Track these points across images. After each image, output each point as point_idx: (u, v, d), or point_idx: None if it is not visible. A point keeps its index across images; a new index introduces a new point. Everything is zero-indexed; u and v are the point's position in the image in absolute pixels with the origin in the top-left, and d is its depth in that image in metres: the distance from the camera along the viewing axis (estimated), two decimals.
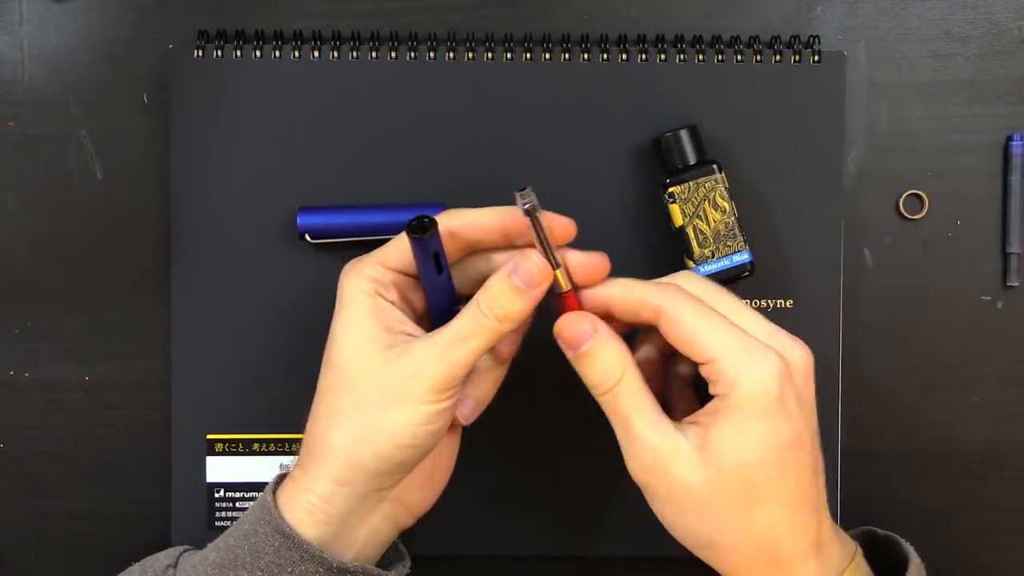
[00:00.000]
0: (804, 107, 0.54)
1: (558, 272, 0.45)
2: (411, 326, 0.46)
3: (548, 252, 0.45)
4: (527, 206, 0.44)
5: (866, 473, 0.55)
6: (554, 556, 0.55)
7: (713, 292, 0.46)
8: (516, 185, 0.47)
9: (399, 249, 0.47)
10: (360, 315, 0.46)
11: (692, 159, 0.52)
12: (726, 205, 0.52)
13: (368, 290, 0.46)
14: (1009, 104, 0.55)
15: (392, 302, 0.46)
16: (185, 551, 0.50)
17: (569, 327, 0.45)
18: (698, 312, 0.44)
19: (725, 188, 0.52)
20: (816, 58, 0.54)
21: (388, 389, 0.44)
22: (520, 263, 0.45)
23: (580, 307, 0.46)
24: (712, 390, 0.44)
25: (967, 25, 0.56)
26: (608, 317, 0.46)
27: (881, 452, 0.54)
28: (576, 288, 0.46)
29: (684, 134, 0.52)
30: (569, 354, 0.46)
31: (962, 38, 0.56)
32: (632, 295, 0.45)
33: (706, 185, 0.52)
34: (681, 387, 0.49)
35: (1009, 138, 0.55)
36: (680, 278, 0.46)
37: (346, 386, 0.45)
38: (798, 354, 0.44)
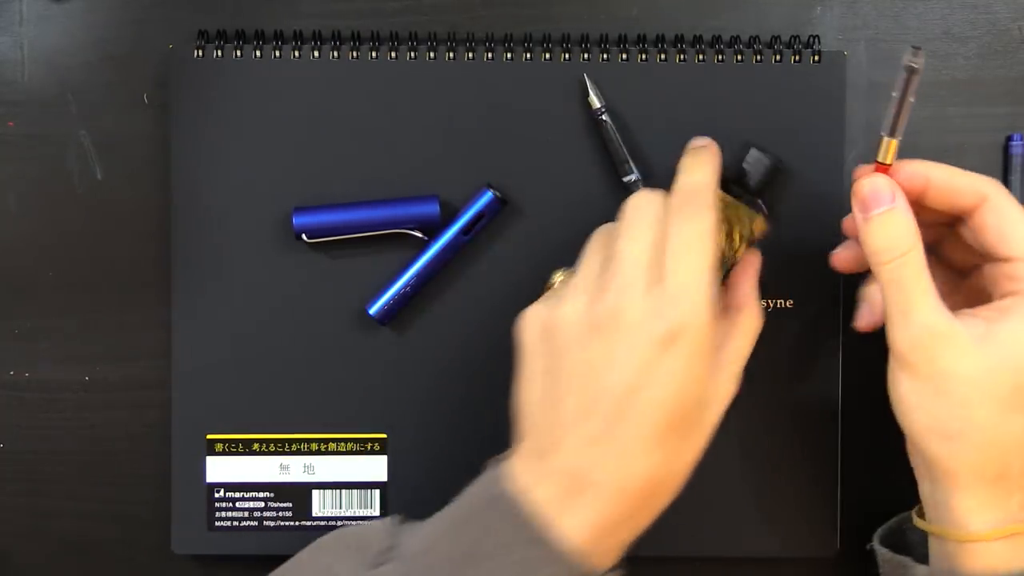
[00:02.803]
0: (804, 107, 0.54)
1: (893, 142, 0.45)
2: None
3: (897, 118, 0.45)
4: (912, 64, 0.44)
5: (867, 472, 0.55)
6: None
7: None
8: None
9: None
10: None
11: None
12: None
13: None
14: (1009, 104, 0.55)
15: None
16: (403, 522, 0.45)
17: (867, 186, 0.45)
18: (1020, 209, 0.45)
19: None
20: (816, 58, 0.54)
21: None
22: None
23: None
24: (1009, 287, 0.45)
25: (967, 25, 0.55)
26: (916, 205, 0.46)
27: (882, 451, 0.54)
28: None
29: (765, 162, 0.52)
30: (859, 217, 0.45)
31: (962, 38, 0.55)
32: (957, 178, 0.46)
33: None
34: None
35: (1009, 138, 0.55)
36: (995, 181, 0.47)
37: None
38: None
